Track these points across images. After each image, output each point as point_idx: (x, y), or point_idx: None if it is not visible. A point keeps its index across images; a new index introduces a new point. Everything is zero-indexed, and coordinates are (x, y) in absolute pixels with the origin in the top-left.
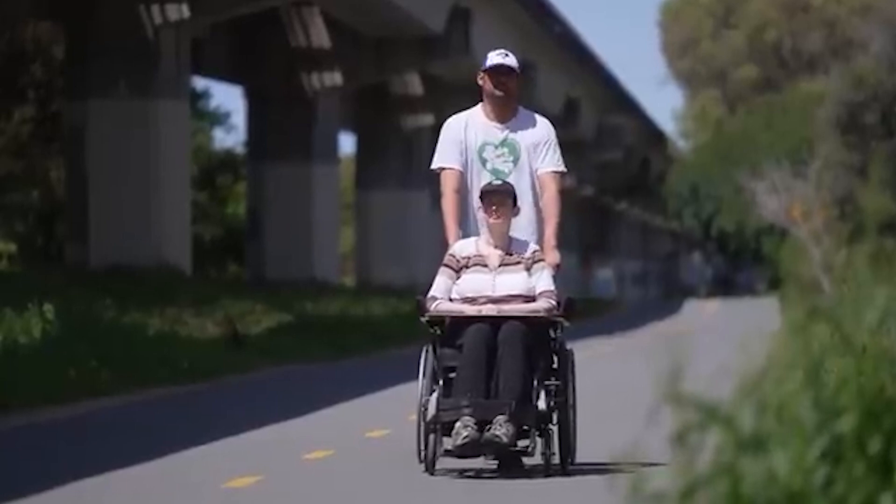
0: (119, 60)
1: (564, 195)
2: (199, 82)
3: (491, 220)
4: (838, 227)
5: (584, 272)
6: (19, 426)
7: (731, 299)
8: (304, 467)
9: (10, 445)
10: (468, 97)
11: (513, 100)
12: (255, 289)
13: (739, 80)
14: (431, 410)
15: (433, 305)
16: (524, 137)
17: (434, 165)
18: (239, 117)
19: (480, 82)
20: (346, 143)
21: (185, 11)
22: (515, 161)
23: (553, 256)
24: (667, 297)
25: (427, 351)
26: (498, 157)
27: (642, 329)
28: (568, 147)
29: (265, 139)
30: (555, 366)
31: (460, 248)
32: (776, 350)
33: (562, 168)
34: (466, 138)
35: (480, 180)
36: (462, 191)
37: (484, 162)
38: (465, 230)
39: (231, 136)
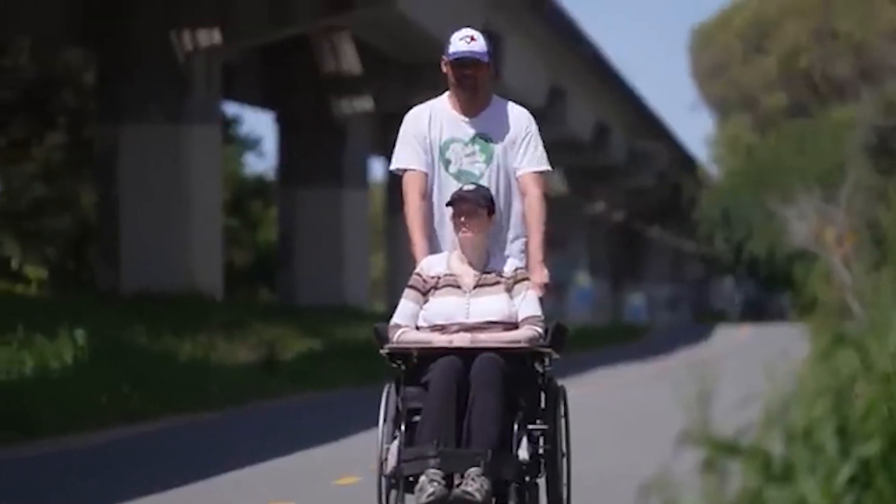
0: (150, 86)
1: (549, 199)
2: (231, 108)
3: (460, 235)
4: (869, 252)
5: (615, 297)
6: (51, 451)
7: (762, 325)
8: (335, 493)
9: (41, 471)
10: None
11: (482, 90)
12: (285, 314)
13: (770, 106)
14: (392, 461)
15: (396, 335)
16: (499, 133)
17: (393, 166)
18: (270, 143)
19: (444, 69)
20: (377, 169)
21: (217, 37)
22: (488, 161)
23: (540, 275)
24: (698, 322)
25: (389, 390)
26: (467, 156)
27: (673, 355)
28: (599, 173)
29: (296, 165)
30: (542, 406)
31: (428, 265)
32: (803, 376)
33: (545, 167)
34: (430, 134)
35: (442, 184)
36: (429, 196)
37: (447, 163)
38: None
39: (262, 162)
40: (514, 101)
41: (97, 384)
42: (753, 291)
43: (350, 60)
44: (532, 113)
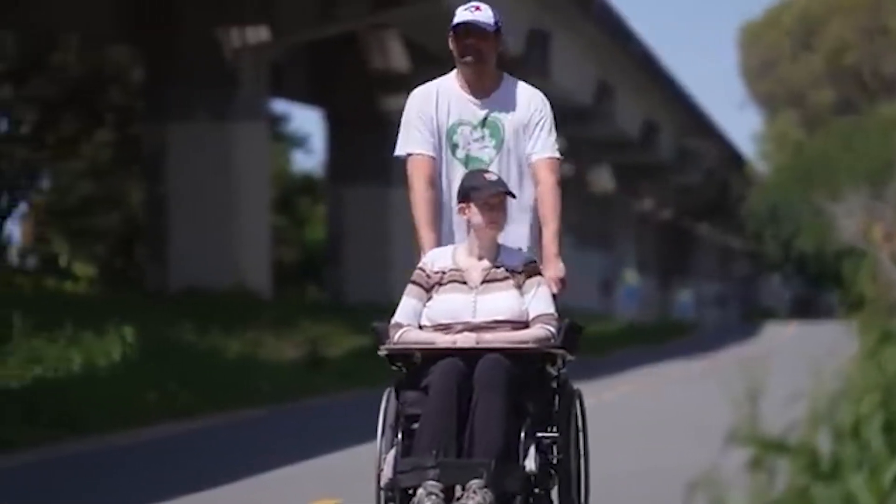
0: (198, 84)
1: (564, 187)
2: (278, 105)
3: (486, 229)
4: None
5: (664, 295)
6: (98, 449)
7: (810, 322)
8: None
9: (89, 467)
10: None
11: (490, 66)
12: (333, 312)
13: (818, 103)
14: (387, 472)
15: (396, 335)
16: (510, 115)
17: (398, 151)
18: (318, 140)
19: (451, 46)
20: None
21: (264, 35)
22: (498, 146)
23: (555, 269)
24: (746, 319)
25: (389, 395)
26: (475, 141)
27: (721, 352)
28: (647, 170)
29: (344, 162)
30: (555, 412)
31: (432, 259)
32: (851, 373)
33: (557, 154)
34: (437, 114)
35: (450, 171)
36: (436, 184)
37: (454, 147)
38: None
39: (310, 159)
40: (564, 99)
41: (145, 382)
42: (801, 288)
43: (398, 58)
44: (580, 111)
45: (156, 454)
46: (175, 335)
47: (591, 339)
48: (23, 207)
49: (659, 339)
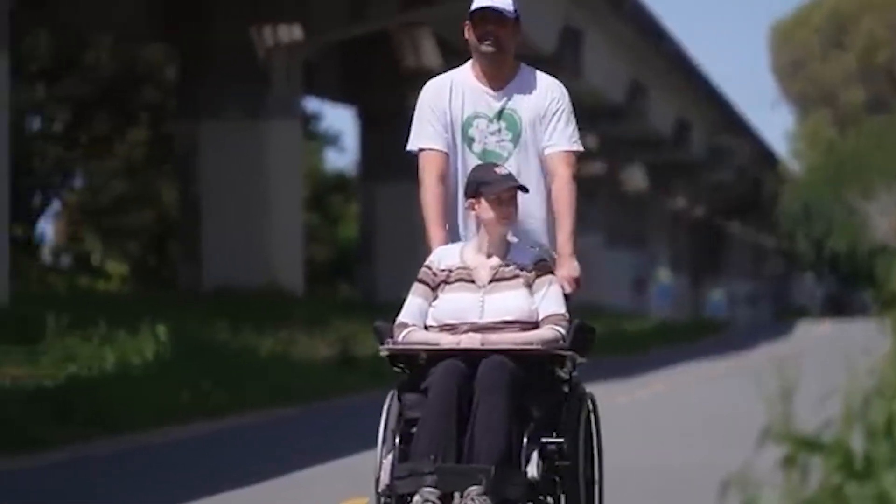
0: (231, 82)
1: (579, 182)
2: (311, 104)
3: (499, 225)
4: None
5: (696, 293)
6: (131, 447)
7: (843, 321)
8: None
9: (121, 466)
10: (581, 120)
11: (509, 55)
12: (366, 310)
13: (849, 102)
14: (384, 478)
15: (401, 335)
16: (526, 106)
17: (410, 146)
18: (350, 138)
19: (466, 35)
20: None
21: (297, 33)
22: (515, 139)
23: (569, 268)
24: (778, 318)
25: (392, 398)
26: (492, 134)
27: (754, 351)
28: (679, 168)
29: (377, 160)
30: (563, 417)
31: (438, 257)
32: (885, 371)
33: (577, 146)
34: (451, 108)
35: (467, 165)
36: (449, 180)
37: (470, 141)
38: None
39: (342, 157)
40: (597, 97)
41: (178, 380)
42: (834, 287)
43: (430, 55)
44: (613, 109)
45: (188, 453)
46: (208, 334)
47: (624, 337)
48: (56, 206)
49: (691, 337)
